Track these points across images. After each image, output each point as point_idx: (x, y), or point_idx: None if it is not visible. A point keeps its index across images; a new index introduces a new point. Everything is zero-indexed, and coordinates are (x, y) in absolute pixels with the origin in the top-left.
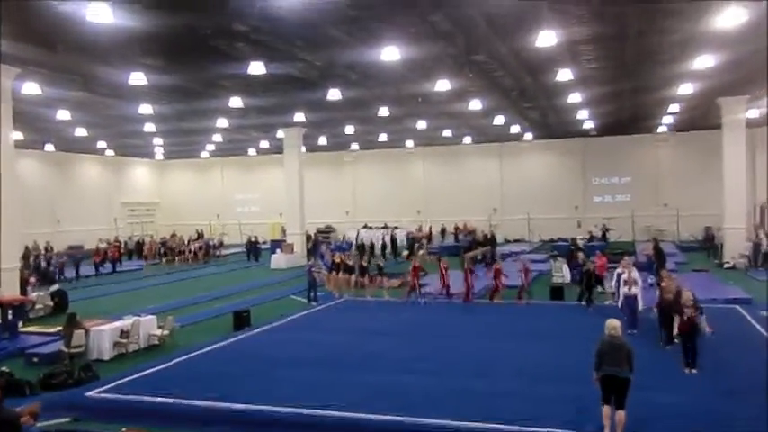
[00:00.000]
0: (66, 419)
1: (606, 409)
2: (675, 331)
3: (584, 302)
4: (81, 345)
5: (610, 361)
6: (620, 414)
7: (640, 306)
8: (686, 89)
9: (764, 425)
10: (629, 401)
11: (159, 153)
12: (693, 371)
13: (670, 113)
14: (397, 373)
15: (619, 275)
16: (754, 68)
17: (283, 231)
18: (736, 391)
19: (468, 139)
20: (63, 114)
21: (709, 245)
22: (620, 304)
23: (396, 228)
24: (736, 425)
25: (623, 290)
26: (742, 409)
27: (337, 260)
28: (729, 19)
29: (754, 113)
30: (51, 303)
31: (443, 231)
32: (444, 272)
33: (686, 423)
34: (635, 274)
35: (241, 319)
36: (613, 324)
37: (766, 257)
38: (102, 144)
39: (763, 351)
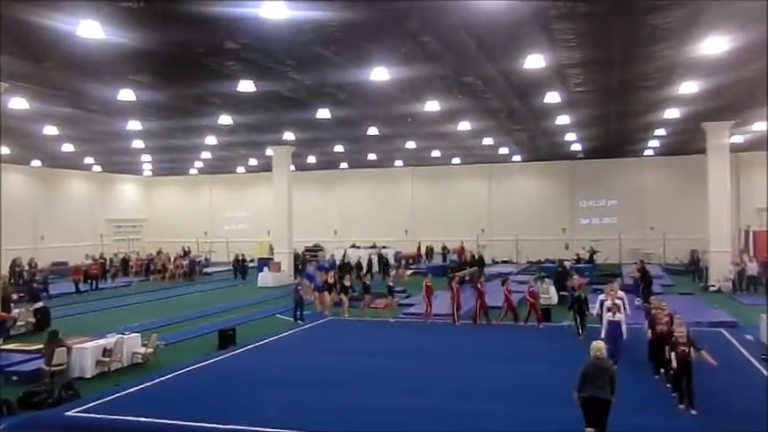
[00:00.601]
0: None
1: None
2: (674, 364)
3: (578, 331)
4: (62, 363)
5: (593, 383)
6: None
7: (624, 334)
8: (672, 114)
9: None
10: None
11: (147, 169)
12: (693, 411)
13: (656, 137)
14: (381, 393)
15: (602, 302)
16: (738, 95)
17: (271, 250)
18: (727, 416)
19: (456, 160)
20: (50, 130)
21: (694, 268)
22: (603, 332)
23: (384, 247)
24: None
25: (607, 316)
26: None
27: (330, 280)
28: (712, 46)
29: (738, 138)
30: (33, 320)
31: (431, 251)
32: (456, 292)
33: None
34: (620, 299)
35: (226, 338)
36: (598, 346)
37: (751, 281)
38: (89, 160)
39: (748, 375)
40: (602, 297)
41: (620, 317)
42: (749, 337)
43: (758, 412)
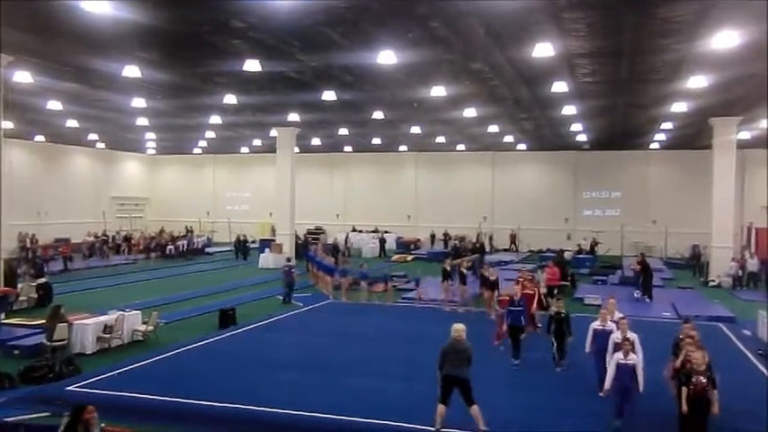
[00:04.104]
0: (46, 414)
1: (441, 409)
2: (684, 405)
3: (555, 357)
4: (63, 338)
5: (452, 362)
6: (474, 409)
7: (641, 384)
8: (679, 108)
9: None
10: None
11: (151, 148)
12: None
13: (662, 131)
14: (378, 377)
15: (596, 332)
16: (747, 91)
17: (273, 231)
18: (724, 411)
19: (461, 146)
20: (54, 105)
21: (695, 262)
22: (608, 381)
23: (386, 232)
24: None
25: (616, 357)
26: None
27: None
28: (723, 41)
29: (744, 135)
30: (36, 296)
31: (433, 238)
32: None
33: None
34: (632, 334)
35: (227, 318)
36: (457, 327)
37: (751, 277)
38: (93, 136)
39: (744, 370)
40: (596, 325)
41: (634, 359)
42: (746, 332)
43: (754, 408)
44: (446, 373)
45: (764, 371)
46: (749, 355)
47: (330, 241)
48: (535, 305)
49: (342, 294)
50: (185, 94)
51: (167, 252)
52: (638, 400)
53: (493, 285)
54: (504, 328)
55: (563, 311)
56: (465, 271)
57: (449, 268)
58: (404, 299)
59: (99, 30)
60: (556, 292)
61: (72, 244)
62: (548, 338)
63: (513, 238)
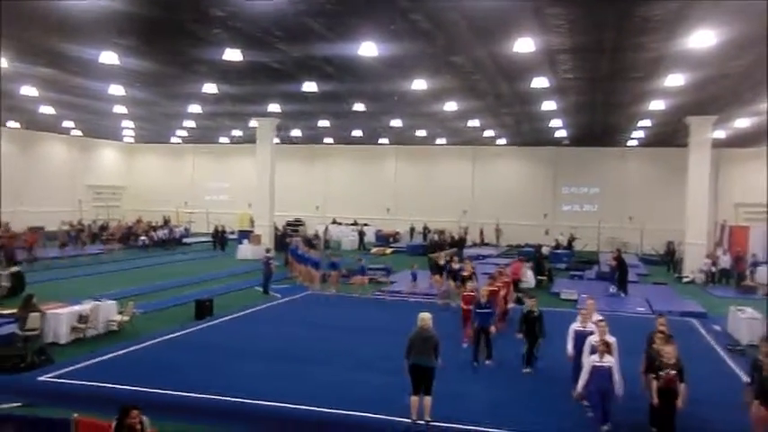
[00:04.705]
0: (17, 404)
1: (414, 400)
2: (654, 397)
3: (524, 360)
4: (36, 328)
5: (418, 351)
6: (427, 400)
7: (618, 387)
8: (657, 106)
9: None
10: None
11: (129, 136)
12: None
13: (641, 128)
14: (354, 369)
15: (577, 333)
16: (722, 90)
17: (251, 222)
18: (692, 403)
19: (442, 140)
20: (29, 90)
21: (670, 259)
22: (581, 382)
23: (365, 224)
24: None
25: (591, 359)
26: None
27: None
28: (700, 40)
29: (719, 134)
30: (8, 285)
31: (412, 231)
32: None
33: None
34: (611, 338)
35: (203, 309)
36: (423, 316)
37: (723, 274)
38: (68, 123)
39: (714, 364)
40: (576, 326)
41: (610, 360)
42: (717, 327)
43: (722, 400)
44: (412, 362)
45: (732, 365)
46: (718, 349)
47: (311, 233)
48: (504, 300)
49: (332, 287)
50: (164, 83)
51: (144, 242)
52: (616, 401)
53: (463, 278)
54: (470, 331)
55: (536, 310)
56: (443, 264)
57: (442, 262)
58: (383, 291)
59: (76, 15)
60: (524, 286)
61: (46, 233)
62: (519, 339)
63: (498, 233)
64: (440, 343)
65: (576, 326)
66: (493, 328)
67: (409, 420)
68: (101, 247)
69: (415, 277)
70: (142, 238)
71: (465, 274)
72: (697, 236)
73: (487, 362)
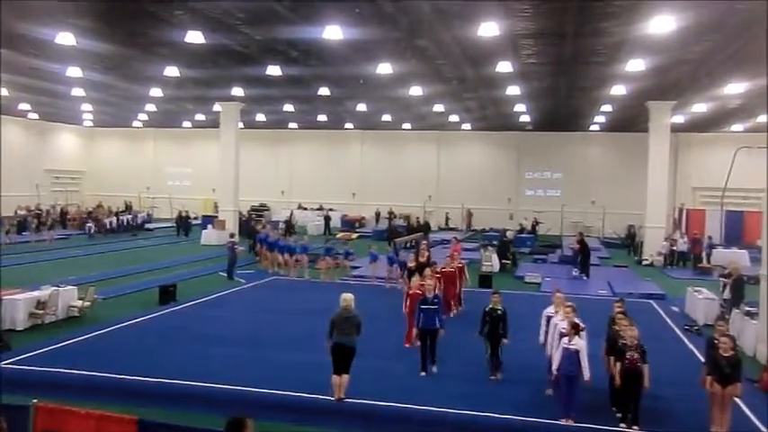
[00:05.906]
0: None
1: (336, 379)
2: (617, 378)
3: (490, 364)
4: None
5: (341, 330)
6: (345, 378)
7: (586, 372)
8: (618, 90)
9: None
10: None
11: (88, 119)
12: (635, 427)
13: (602, 113)
14: (317, 352)
15: (549, 319)
16: (681, 76)
17: (215, 207)
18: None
19: (407, 125)
20: None
21: (630, 242)
22: (554, 365)
23: (330, 209)
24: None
25: (563, 341)
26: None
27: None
28: (659, 25)
29: (678, 118)
30: None
31: (378, 216)
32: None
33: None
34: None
35: (167, 294)
36: (345, 297)
37: (681, 256)
38: (25, 106)
39: (671, 343)
40: (549, 311)
41: (578, 343)
42: (675, 308)
43: (680, 379)
44: (335, 342)
45: (689, 344)
46: (677, 330)
47: (276, 218)
48: (458, 283)
49: (303, 270)
50: (124, 65)
51: (106, 227)
52: (580, 386)
53: (410, 271)
54: (415, 332)
55: (500, 308)
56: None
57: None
58: (348, 276)
59: None
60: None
61: (1, 218)
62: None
63: (470, 217)
64: (362, 323)
65: (548, 311)
66: (441, 331)
67: (333, 399)
68: (60, 233)
69: (374, 258)
70: (104, 221)
71: (410, 265)
72: (656, 219)
73: (434, 368)
